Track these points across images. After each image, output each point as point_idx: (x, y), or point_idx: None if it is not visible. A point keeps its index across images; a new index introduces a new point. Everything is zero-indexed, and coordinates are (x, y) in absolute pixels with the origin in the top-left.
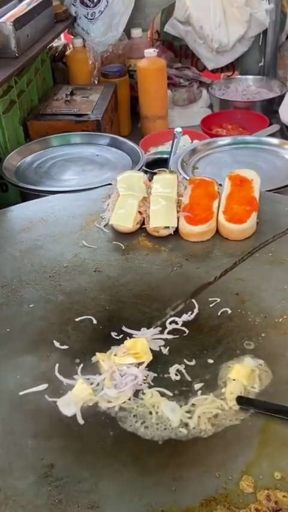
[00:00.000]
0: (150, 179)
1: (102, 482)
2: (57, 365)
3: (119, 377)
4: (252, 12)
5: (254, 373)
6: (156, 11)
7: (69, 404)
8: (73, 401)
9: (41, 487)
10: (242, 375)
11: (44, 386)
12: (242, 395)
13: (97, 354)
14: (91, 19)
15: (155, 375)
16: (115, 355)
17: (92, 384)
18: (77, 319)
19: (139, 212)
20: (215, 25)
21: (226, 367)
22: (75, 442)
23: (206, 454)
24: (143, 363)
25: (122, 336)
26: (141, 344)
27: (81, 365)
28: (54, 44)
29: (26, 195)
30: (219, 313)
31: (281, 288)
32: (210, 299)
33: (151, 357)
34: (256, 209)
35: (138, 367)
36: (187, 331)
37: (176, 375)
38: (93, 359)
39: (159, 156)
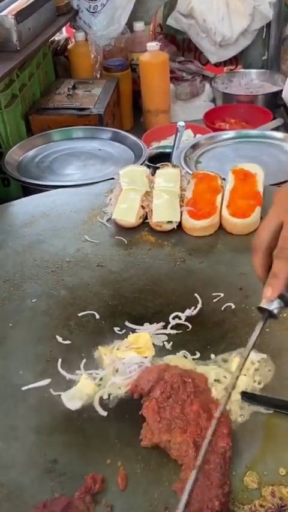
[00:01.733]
0: (153, 173)
1: (105, 478)
2: (60, 360)
3: (122, 366)
4: (256, 5)
5: (256, 367)
6: (159, 4)
7: (74, 399)
8: (78, 395)
9: (44, 482)
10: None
11: (46, 381)
12: (246, 390)
13: (99, 347)
14: (93, 12)
15: None
16: (118, 349)
17: (95, 379)
18: (79, 314)
19: (142, 206)
20: (218, 18)
21: (229, 362)
22: (78, 437)
23: None
24: (145, 357)
25: (124, 330)
26: (144, 339)
27: (84, 360)
28: (56, 37)
29: (28, 190)
30: (222, 308)
31: None
32: (213, 294)
33: (153, 352)
34: (260, 203)
35: None
36: (190, 326)
37: None
38: (96, 353)
39: (161, 150)
